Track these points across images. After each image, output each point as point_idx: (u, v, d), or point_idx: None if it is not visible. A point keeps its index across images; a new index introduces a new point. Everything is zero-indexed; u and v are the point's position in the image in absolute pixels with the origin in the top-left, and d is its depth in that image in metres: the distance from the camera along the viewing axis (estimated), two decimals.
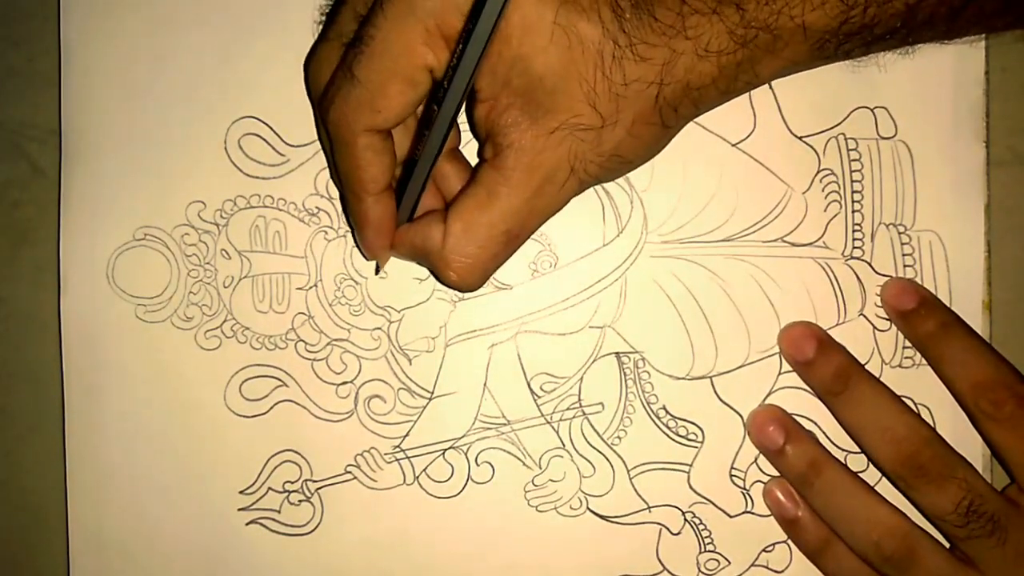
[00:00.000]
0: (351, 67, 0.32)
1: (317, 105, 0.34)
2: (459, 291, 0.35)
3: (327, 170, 0.39)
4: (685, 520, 0.40)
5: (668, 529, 0.40)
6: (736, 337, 0.39)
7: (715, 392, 0.39)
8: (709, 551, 0.40)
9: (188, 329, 0.40)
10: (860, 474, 0.38)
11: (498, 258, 0.34)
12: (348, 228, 0.40)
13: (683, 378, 0.39)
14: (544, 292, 0.39)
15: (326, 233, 0.40)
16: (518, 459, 0.40)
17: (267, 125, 0.40)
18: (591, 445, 0.39)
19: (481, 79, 0.32)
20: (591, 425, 0.39)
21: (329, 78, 0.33)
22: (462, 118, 0.37)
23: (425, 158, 0.33)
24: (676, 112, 0.33)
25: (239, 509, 0.40)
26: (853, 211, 0.39)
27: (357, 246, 0.39)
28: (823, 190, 0.39)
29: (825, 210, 0.39)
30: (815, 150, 0.39)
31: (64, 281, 0.40)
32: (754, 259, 0.39)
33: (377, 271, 0.39)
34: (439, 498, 0.40)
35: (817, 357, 0.38)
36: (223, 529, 0.40)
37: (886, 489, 0.38)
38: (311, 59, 0.35)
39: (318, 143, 0.39)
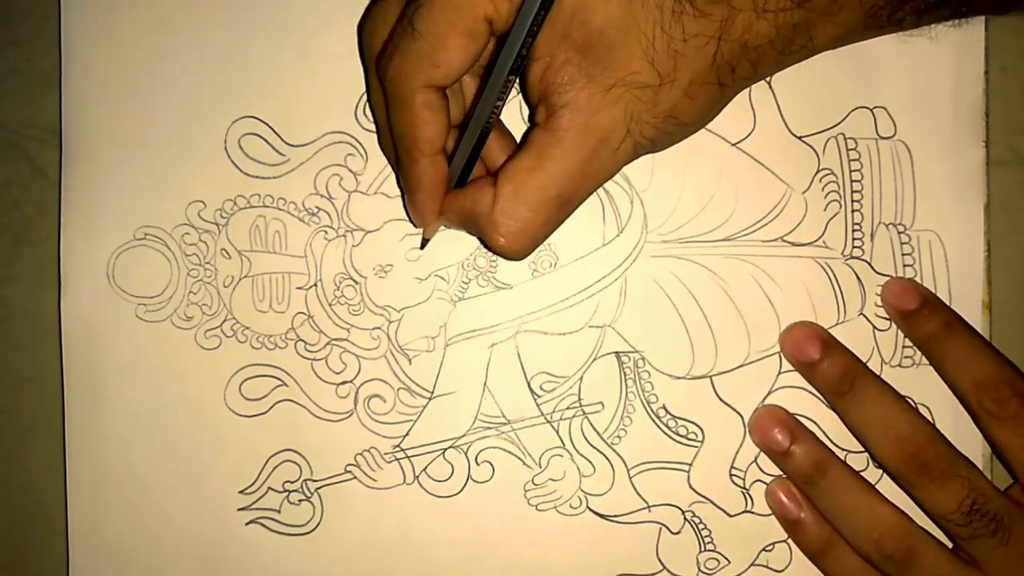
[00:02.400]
0: (411, 21, 0.31)
1: (375, 64, 0.34)
2: (508, 258, 0.34)
3: (327, 170, 0.40)
4: (685, 519, 0.40)
5: (668, 528, 0.40)
6: (736, 337, 0.39)
7: (715, 392, 0.39)
8: (709, 550, 0.40)
9: (188, 329, 0.40)
10: (861, 473, 0.38)
11: (549, 223, 0.33)
12: (348, 227, 0.40)
13: (683, 377, 0.39)
14: (544, 292, 0.39)
15: (326, 233, 0.40)
16: (518, 458, 0.40)
17: (267, 125, 0.40)
18: (591, 444, 0.39)
19: (540, 33, 0.31)
20: (591, 424, 0.39)
21: (387, 36, 0.33)
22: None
23: (480, 116, 0.32)
24: (733, 72, 0.32)
25: (239, 509, 0.40)
26: (853, 211, 0.39)
27: (406, 212, 0.38)
28: (823, 190, 0.39)
29: (825, 210, 0.39)
30: (815, 150, 0.39)
31: (64, 281, 0.40)
32: (754, 259, 0.39)
33: (423, 245, 0.39)
34: (439, 497, 0.40)
35: (822, 358, 0.38)
36: (223, 529, 0.40)
37: (890, 490, 0.38)
38: (367, 18, 0.35)
39: (318, 143, 0.39)
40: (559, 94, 0.31)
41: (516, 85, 0.34)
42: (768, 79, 0.39)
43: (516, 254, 0.33)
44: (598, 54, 0.31)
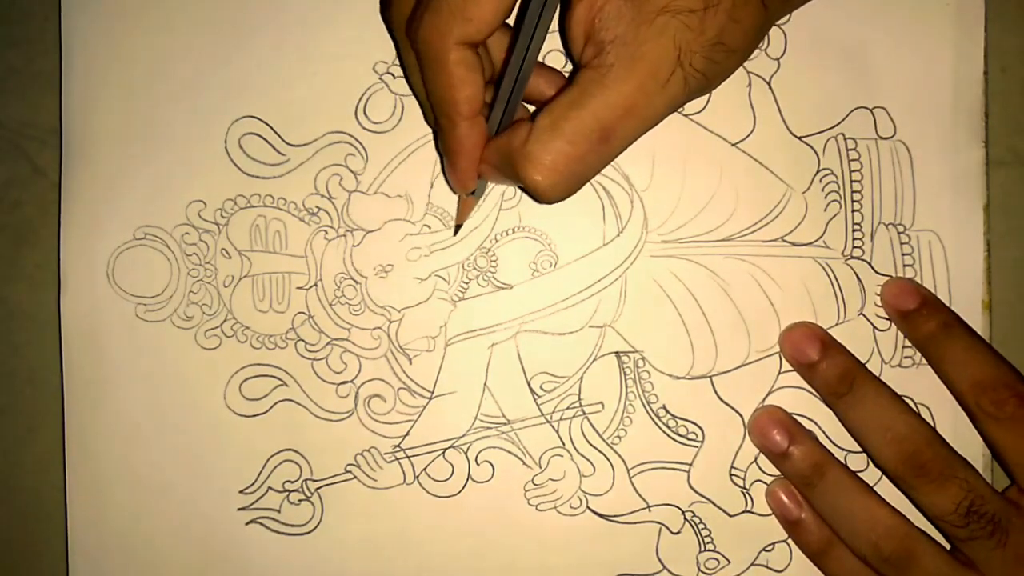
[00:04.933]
0: None
1: (405, 31, 0.33)
2: (542, 198, 0.32)
3: (327, 170, 0.40)
4: (685, 519, 0.40)
5: (668, 528, 0.40)
6: (736, 337, 0.39)
7: (715, 392, 0.39)
8: (709, 550, 0.40)
9: (188, 328, 0.40)
10: (860, 474, 0.38)
11: (587, 161, 0.31)
12: (348, 227, 0.40)
13: (683, 377, 0.39)
14: (544, 292, 0.39)
15: (326, 233, 0.40)
16: (518, 458, 0.40)
17: (267, 125, 0.40)
18: (591, 444, 0.39)
19: None
20: (591, 424, 0.39)
21: (414, 3, 0.33)
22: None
23: (516, 62, 0.31)
24: None
25: (239, 509, 0.40)
26: (853, 211, 0.39)
27: (445, 177, 0.38)
28: (823, 190, 0.39)
29: (825, 210, 0.39)
30: (814, 150, 0.39)
31: (64, 281, 0.40)
32: (754, 259, 0.39)
33: (456, 231, 0.39)
34: (439, 497, 0.40)
35: (821, 359, 0.38)
36: (223, 529, 0.40)
37: (889, 492, 0.38)
38: None
39: (318, 143, 0.39)
40: (605, 30, 0.30)
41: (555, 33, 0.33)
42: (767, 79, 0.39)
43: (550, 191, 0.31)
44: None
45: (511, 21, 0.35)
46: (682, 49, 0.30)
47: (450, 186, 0.36)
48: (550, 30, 0.32)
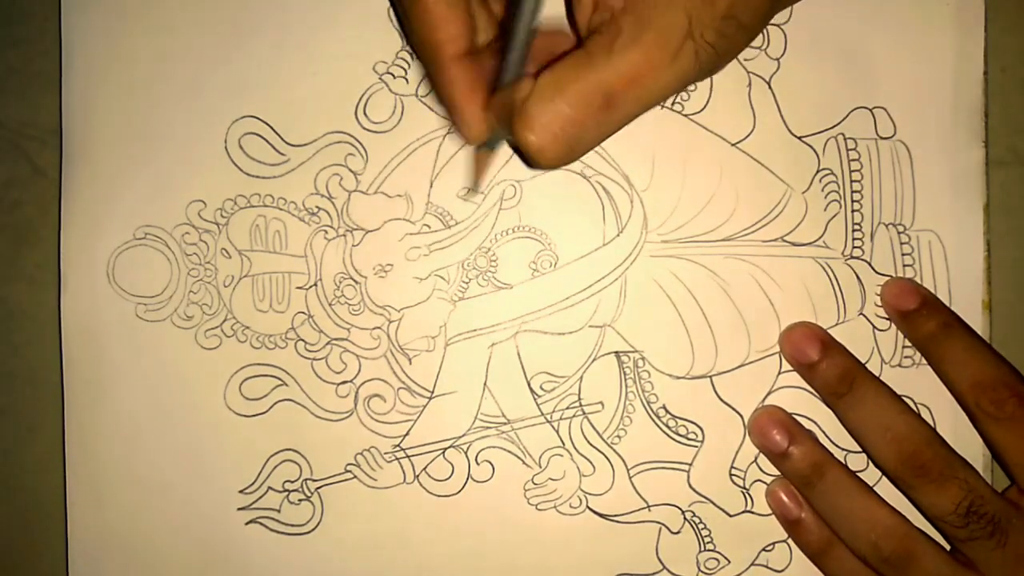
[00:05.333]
0: None
1: None
2: (537, 162, 0.30)
3: (327, 169, 0.40)
4: (685, 519, 0.40)
5: (668, 528, 0.40)
6: (736, 337, 0.39)
7: (715, 391, 0.39)
8: (709, 550, 0.40)
9: (188, 328, 0.40)
10: (860, 474, 0.38)
11: (585, 126, 0.30)
12: (348, 227, 0.40)
13: (683, 377, 0.39)
14: (544, 291, 0.39)
15: (326, 232, 0.40)
16: (518, 458, 0.40)
17: (267, 124, 0.40)
18: (591, 444, 0.39)
19: None
20: (591, 424, 0.39)
21: None
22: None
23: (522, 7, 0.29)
24: None
25: (239, 509, 0.40)
26: (853, 211, 0.39)
27: (456, 129, 0.34)
28: (823, 190, 0.39)
29: (825, 210, 0.39)
30: (814, 150, 0.39)
31: (64, 281, 0.40)
32: (754, 259, 0.39)
33: (473, 190, 0.36)
34: (439, 497, 0.40)
35: (821, 359, 0.38)
36: (223, 529, 0.40)
37: (889, 492, 0.38)
38: None
39: (318, 143, 0.39)
40: None
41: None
42: (767, 79, 0.39)
43: (543, 154, 0.30)
44: None
45: None
46: (693, 20, 0.29)
47: (460, 134, 0.33)
48: None
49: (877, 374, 0.39)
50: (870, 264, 0.39)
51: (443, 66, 0.31)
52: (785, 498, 0.39)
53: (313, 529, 0.40)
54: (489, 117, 0.32)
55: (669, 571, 0.39)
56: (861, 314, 0.39)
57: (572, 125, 0.30)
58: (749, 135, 0.39)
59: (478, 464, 0.40)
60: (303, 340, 0.40)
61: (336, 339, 0.40)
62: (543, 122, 0.30)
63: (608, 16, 0.30)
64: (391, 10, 0.39)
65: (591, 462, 0.39)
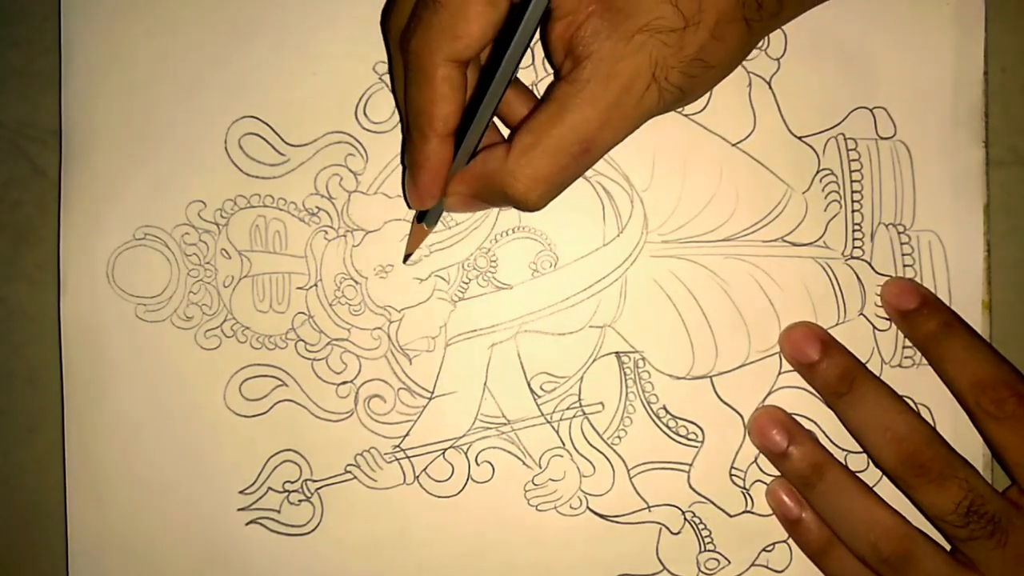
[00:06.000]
0: None
1: (398, 42, 0.34)
2: (526, 207, 0.33)
3: (327, 170, 0.40)
4: (685, 520, 0.40)
5: (668, 528, 0.40)
6: (736, 337, 0.39)
7: (715, 392, 0.39)
8: (709, 551, 0.40)
9: (188, 329, 0.40)
10: (860, 474, 0.38)
11: (567, 172, 0.33)
12: (348, 227, 0.40)
13: (683, 378, 0.39)
14: (544, 292, 0.39)
15: (326, 233, 0.40)
16: (518, 459, 0.40)
17: (267, 125, 0.40)
18: (591, 445, 0.39)
19: None
20: (591, 425, 0.39)
21: (410, 13, 0.33)
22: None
23: (496, 86, 0.33)
24: (760, 7, 0.32)
25: (239, 509, 0.40)
26: (853, 211, 0.39)
27: (404, 194, 0.38)
28: (823, 190, 0.39)
29: (825, 210, 0.39)
30: (815, 150, 0.39)
31: (64, 281, 0.40)
32: (754, 259, 0.39)
33: (406, 259, 0.39)
34: (439, 497, 0.40)
35: (821, 359, 0.38)
36: (223, 529, 0.40)
37: (889, 492, 0.38)
38: (390, 1, 0.35)
39: (318, 143, 0.39)
40: (582, 47, 0.31)
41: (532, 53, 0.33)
42: (768, 80, 0.39)
43: (533, 203, 0.33)
44: (621, 3, 0.31)
45: None
46: (658, 64, 0.31)
47: (407, 203, 0.37)
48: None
49: (877, 374, 0.39)
50: (870, 264, 0.39)
51: (429, 139, 0.33)
52: (785, 498, 0.39)
53: (313, 530, 0.40)
54: (451, 202, 0.35)
55: (669, 571, 0.39)
56: (861, 314, 0.39)
57: (556, 174, 0.33)
58: (749, 135, 0.39)
59: (478, 465, 0.40)
60: (303, 340, 0.40)
61: (336, 339, 0.40)
62: (527, 173, 0.32)
63: (575, 63, 0.32)
64: None
65: (591, 462, 0.39)
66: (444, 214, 0.39)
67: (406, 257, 0.39)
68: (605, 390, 0.39)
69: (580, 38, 0.31)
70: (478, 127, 0.34)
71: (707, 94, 0.39)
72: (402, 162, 0.39)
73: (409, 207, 0.39)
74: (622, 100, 0.32)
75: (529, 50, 0.34)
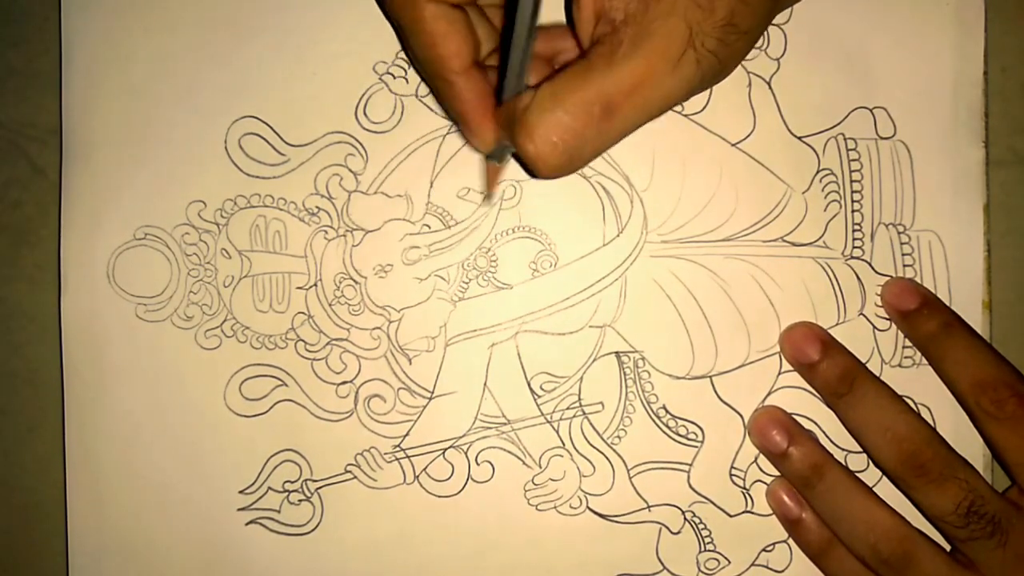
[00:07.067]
0: None
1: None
2: (537, 172, 0.30)
3: (327, 170, 0.40)
4: (685, 519, 0.40)
5: (668, 528, 0.40)
6: (736, 337, 0.39)
7: (715, 392, 0.39)
8: (709, 550, 0.40)
9: (188, 329, 0.40)
10: (860, 474, 0.38)
11: (585, 136, 0.30)
12: (348, 227, 0.40)
13: (683, 378, 0.39)
14: (544, 292, 0.39)
15: (326, 233, 0.40)
16: (518, 458, 0.40)
17: (267, 125, 0.40)
18: (591, 444, 0.39)
19: None
20: (591, 424, 0.39)
21: None
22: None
23: (523, 13, 0.29)
24: None
25: (239, 509, 0.40)
26: (853, 211, 0.39)
27: (466, 140, 0.35)
28: (823, 190, 0.39)
29: (825, 210, 0.39)
30: (815, 150, 0.39)
31: (64, 281, 0.40)
32: (754, 259, 0.39)
33: (488, 197, 0.37)
34: (439, 497, 0.40)
35: (822, 359, 0.38)
36: (223, 529, 0.40)
37: (889, 493, 0.38)
38: None
39: (318, 143, 0.39)
40: (616, 9, 0.29)
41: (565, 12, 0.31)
42: (767, 80, 0.39)
43: (543, 163, 0.30)
44: None
45: None
46: (693, 29, 0.29)
47: (471, 144, 0.34)
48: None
49: (877, 374, 0.39)
50: (870, 264, 0.39)
51: (449, 80, 0.31)
52: (785, 498, 0.39)
53: (313, 529, 0.40)
54: (497, 128, 0.32)
55: (669, 571, 0.39)
56: (861, 314, 0.39)
57: (571, 134, 0.29)
58: (749, 135, 0.39)
59: (478, 464, 0.40)
60: (303, 340, 0.40)
61: (336, 339, 0.40)
62: (542, 131, 0.29)
63: (609, 29, 0.30)
64: None
65: (591, 462, 0.39)
66: (444, 214, 0.39)
67: (487, 197, 0.37)
68: (605, 390, 0.39)
69: (612, 3, 0.29)
70: (516, 53, 0.30)
71: (707, 93, 0.39)
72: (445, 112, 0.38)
73: (477, 151, 0.36)
74: (656, 64, 0.29)
75: None
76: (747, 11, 0.30)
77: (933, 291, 0.39)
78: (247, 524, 0.40)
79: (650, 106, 0.30)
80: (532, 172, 0.31)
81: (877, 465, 0.38)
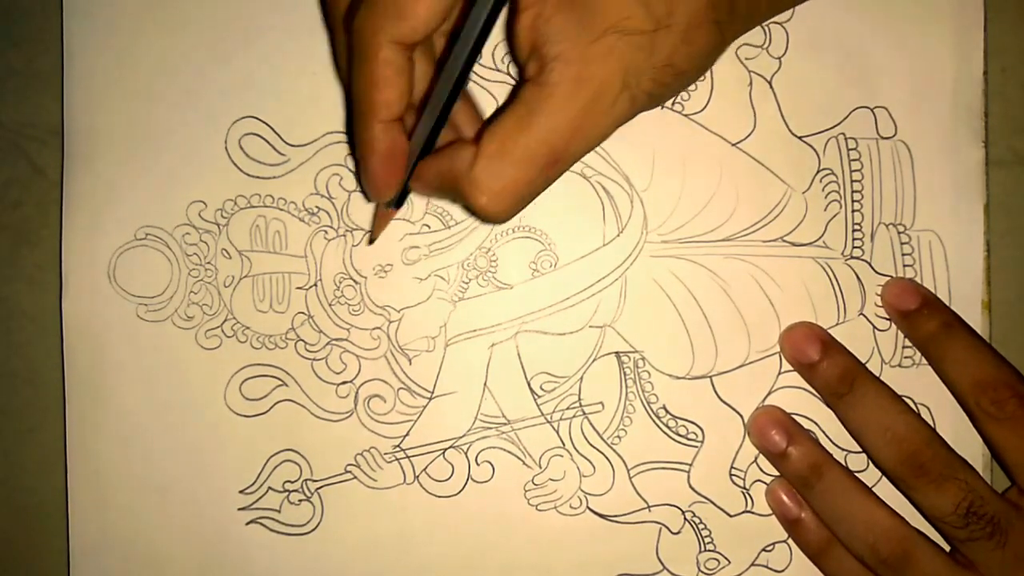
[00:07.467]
0: None
1: (341, 21, 0.33)
2: (488, 221, 0.31)
3: (327, 170, 0.40)
4: (685, 519, 0.40)
5: (668, 528, 0.40)
6: (736, 337, 0.39)
7: (715, 392, 0.39)
8: (709, 550, 0.40)
9: (188, 329, 0.40)
10: (860, 474, 0.38)
11: (534, 184, 0.31)
12: (348, 227, 0.40)
13: (683, 378, 0.39)
14: (544, 292, 0.39)
15: (326, 233, 0.40)
16: (518, 458, 0.40)
17: (267, 125, 0.40)
18: (591, 444, 0.39)
19: None
20: (591, 424, 0.39)
21: None
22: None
23: (449, 75, 0.30)
24: (732, 9, 0.31)
25: (239, 509, 0.40)
26: (853, 211, 0.39)
27: (361, 190, 0.37)
28: (823, 190, 0.39)
29: (825, 210, 0.39)
30: (815, 150, 0.39)
31: (65, 281, 0.40)
32: (754, 259, 0.39)
33: (371, 241, 0.39)
34: (439, 497, 0.40)
35: (822, 359, 0.38)
36: (223, 529, 0.40)
37: (889, 493, 0.38)
38: None
39: (318, 143, 0.39)
40: (550, 45, 0.29)
41: (496, 45, 0.32)
42: (769, 79, 0.39)
43: (499, 215, 0.31)
44: (587, 1, 0.29)
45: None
46: (630, 71, 0.30)
47: (364, 195, 0.35)
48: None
49: (877, 374, 0.39)
50: (870, 264, 0.39)
51: (370, 125, 0.32)
52: (785, 497, 0.39)
53: (313, 529, 0.40)
54: (417, 187, 0.33)
55: (669, 571, 0.39)
56: (861, 314, 0.39)
57: (522, 186, 0.30)
58: (749, 135, 0.39)
59: (478, 464, 0.40)
60: (303, 340, 0.40)
61: (336, 339, 0.40)
62: (495, 188, 0.30)
63: (542, 64, 0.30)
64: None
65: (591, 462, 0.40)
66: (444, 214, 0.39)
67: (371, 240, 0.38)
68: (605, 390, 0.40)
69: (546, 35, 0.30)
70: (429, 118, 0.32)
71: (707, 93, 0.39)
72: (351, 152, 0.39)
73: (367, 200, 0.38)
74: (593, 108, 0.30)
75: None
76: (690, 52, 0.31)
77: (933, 291, 0.39)
78: (247, 524, 0.40)
79: (589, 145, 0.31)
80: (481, 220, 0.32)
81: (877, 465, 0.38)
